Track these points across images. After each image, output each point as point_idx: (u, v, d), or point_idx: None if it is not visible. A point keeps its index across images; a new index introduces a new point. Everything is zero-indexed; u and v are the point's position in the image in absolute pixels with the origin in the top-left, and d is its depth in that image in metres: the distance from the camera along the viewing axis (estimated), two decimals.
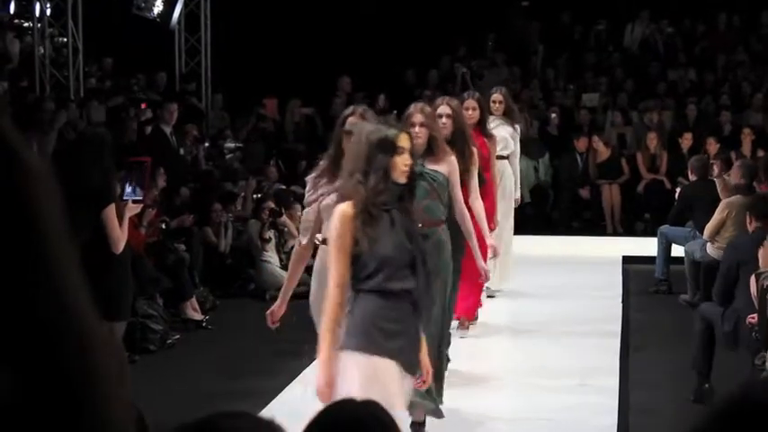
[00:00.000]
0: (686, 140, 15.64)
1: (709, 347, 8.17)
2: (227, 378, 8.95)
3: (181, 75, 18.04)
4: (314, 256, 6.32)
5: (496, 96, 10.92)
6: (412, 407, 6.03)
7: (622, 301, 11.41)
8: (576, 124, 17.13)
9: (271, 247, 12.38)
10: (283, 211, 12.56)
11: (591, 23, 19.94)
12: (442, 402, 7.25)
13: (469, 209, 7.79)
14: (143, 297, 9.95)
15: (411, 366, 5.11)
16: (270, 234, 12.41)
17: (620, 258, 13.81)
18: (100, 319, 1.25)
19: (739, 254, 8.28)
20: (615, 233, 15.44)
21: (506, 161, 10.84)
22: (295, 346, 8.14)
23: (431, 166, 7.08)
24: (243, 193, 13.37)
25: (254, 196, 13.38)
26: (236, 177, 14.18)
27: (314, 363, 6.39)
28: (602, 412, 7.72)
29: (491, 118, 10.30)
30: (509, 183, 10.94)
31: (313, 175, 6.25)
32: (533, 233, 13.73)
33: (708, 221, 10.85)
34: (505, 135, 10.77)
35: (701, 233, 11.13)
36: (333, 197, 5.99)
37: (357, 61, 17.65)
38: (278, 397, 8.12)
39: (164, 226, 11.34)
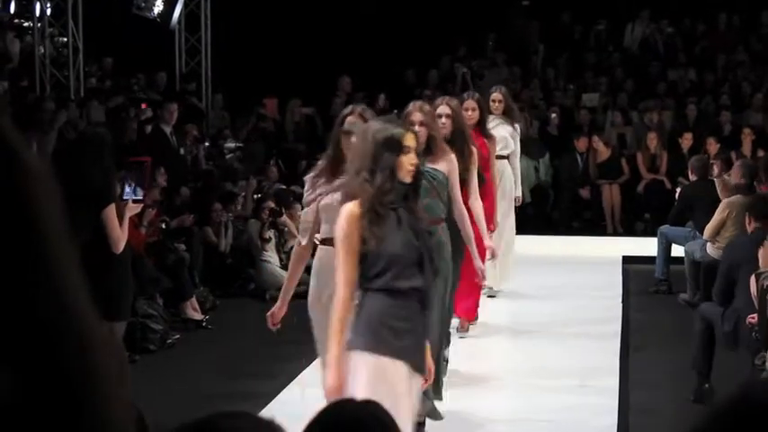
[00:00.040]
0: (686, 140, 15.64)
1: (709, 347, 8.17)
2: (227, 378, 8.95)
3: (181, 74, 18.04)
4: (313, 255, 6.31)
5: (496, 96, 10.92)
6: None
7: (622, 301, 11.41)
8: (576, 124, 17.13)
9: (271, 246, 12.38)
10: (283, 210, 12.57)
11: (591, 23, 19.94)
12: (441, 399, 7.25)
13: (469, 209, 7.80)
14: (143, 297, 9.95)
15: (419, 365, 5.09)
16: (270, 234, 12.41)
17: (621, 258, 13.80)
18: (100, 319, 1.25)
19: (738, 254, 8.28)
20: (615, 233, 15.44)
21: (506, 161, 10.85)
22: (295, 347, 8.13)
23: (430, 165, 7.08)
24: (243, 193, 13.37)
25: (255, 196, 13.38)
26: (236, 177, 14.18)
27: (313, 364, 6.40)
28: (602, 412, 7.72)
29: (491, 117, 10.30)
30: (508, 183, 10.95)
31: (311, 174, 6.24)
32: (533, 233, 13.73)
33: (708, 221, 10.85)
34: (505, 134, 10.77)
35: (701, 233, 11.13)
36: (331, 197, 5.99)
37: (357, 61, 17.65)
38: (278, 397, 8.12)
39: (164, 226, 11.34)
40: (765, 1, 19.36)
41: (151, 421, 3.38)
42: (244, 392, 8.31)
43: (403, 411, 4.89)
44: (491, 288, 11.11)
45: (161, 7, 16.88)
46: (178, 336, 10.20)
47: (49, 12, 16.28)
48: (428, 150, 7.11)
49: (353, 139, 6.00)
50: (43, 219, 1.19)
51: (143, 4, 16.67)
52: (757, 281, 7.68)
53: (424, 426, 7.05)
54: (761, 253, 7.87)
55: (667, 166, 15.55)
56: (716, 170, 11.83)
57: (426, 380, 5.29)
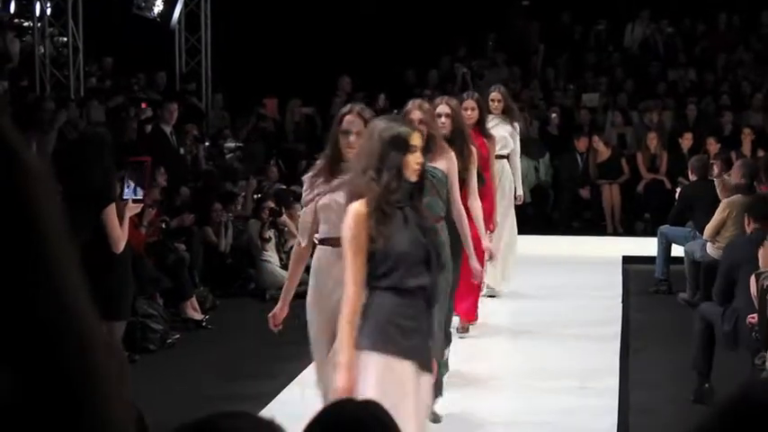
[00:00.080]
0: (686, 140, 15.64)
1: (709, 347, 8.17)
2: (227, 378, 8.95)
3: (181, 74, 18.04)
4: (313, 255, 6.30)
5: (495, 95, 10.92)
6: None
7: (622, 301, 11.41)
8: (576, 124, 17.13)
9: (271, 246, 12.38)
10: (283, 210, 12.56)
11: (591, 23, 19.95)
12: (441, 395, 7.24)
13: (468, 210, 7.79)
14: (143, 297, 9.95)
15: (426, 364, 5.09)
16: (270, 234, 12.41)
17: (621, 258, 13.80)
18: (100, 319, 1.25)
19: (738, 254, 8.28)
20: (615, 233, 15.44)
21: (505, 160, 10.85)
22: (296, 347, 8.13)
23: (429, 163, 7.08)
24: (243, 193, 13.37)
25: (255, 196, 13.38)
26: (236, 177, 14.18)
27: (311, 365, 6.38)
28: (602, 413, 7.71)
29: (490, 117, 10.30)
30: (507, 183, 10.94)
31: (310, 174, 6.20)
32: (534, 233, 13.72)
33: (708, 221, 10.85)
34: (504, 134, 10.77)
35: (701, 233, 11.12)
36: (329, 197, 5.98)
37: (357, 61, 17.65)
38: (278, 397, 8.12)
39: (164, 226, 11.34)
40: (765, 1, 19.36)
41: (151, 421, 3.38)
42: (244, 392, 8.30)
43: (409, 411, 4.89)
44: (491, 288, 11.11)
45: (161, 7, 16.88)
46: (178, 336, 10.20)
47: (49, 11, 16.28)
48: (427, 149, 7.10)
49: (352, 138, 5.99)
50: (43, 219, 1.19)
51: (143, 4, 16.67)
52: (757, 281, 7.68)
53: None
54: (761, 253, 7.88)
55: (667, 166, 15.55)
56: (716, 170, 11.83)
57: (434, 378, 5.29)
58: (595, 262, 13.53)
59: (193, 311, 10.83)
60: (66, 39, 16.44)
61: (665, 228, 12.41)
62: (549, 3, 19.86)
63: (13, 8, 17.93)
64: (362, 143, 5.23)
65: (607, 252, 14.05)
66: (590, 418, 7.67)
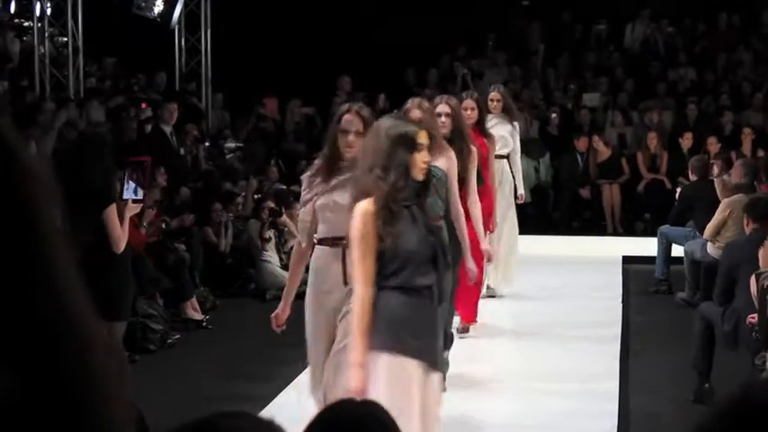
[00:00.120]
0: (686, 140, 15.65)
1: (709, 347, 8.17)
2: (228, 378, 8.95)
3: (181, 74, 18.04)
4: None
5: (494, 95, 10.92)
6: None
7: (622, 302, 11.41)
8: (576, 124, 17.13)
9: (271, 246, 12.38)
10: (283, 210, 12.56)
11: (591, 23, 19.95)
12: (444, 390, 7.23)
13: (467, 210, 7.79)
14: (143, 297, 9.95)
15: (435, 363, 5.08)
16: (270, 234, 12.41)
17: (621, 258, 13.80)
18: (99, 320, 1.25)
19: (737, 255, 8.29)
20: (615, 233, 15.44)
21: (504, 161, 10.84)
22: (295, 349, 8.12)
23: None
24: (243, 193, 13.37)
25: (254, 196, 13.38)
26: (236, 177, 14.18)
27: (307, 369, 6.38)
28: (602, 416, 7.69)
29: (489, 116, 10.30)
30: (507, 184, 10.93)
31: (308, 173, 6.16)
32: (534, 233, 13.73)
33: (708, 221, 10.85)
34: (504, 133, 10.77)
35: (702, 233, 11.12)
36: (327, 197, 5.97)
37: (357, 61, 17.65)
38: (277, 397, 8.11)
39: (164, 226, 11.34)
40: (765, 1, 19.36)
41: (151, 421, 3.37)
42: (244, 392, 8.30)
43: (415, 411, 4.89)
44: (491, 289, 11.10)
45: (161, 7, 16.88)
46: (178, 336, 10.20)
47: (49, 11, 16.28)
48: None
49: (351, 137, 5.98)
50: (42, 219, 1.19)
51: (143, 4, 16.67)
52: (757, 281, 7.68)
53: None
54: (761, 253, 7.87)
55: (667, 166, 15.56)
56: (716, 170, 11.83)
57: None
58: (595, 262, 13.53)
59: (193, 312, 10.83)
60: (66, 39, 16.44)
61: (665, 228, 12.41)
62: (549, 3, 19.86)
63: (13, 8, 17.92)
64: (368, 141, 5.20)
65: (607, 252, 14.05)
66: (590, 419, 7.65)
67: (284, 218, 12.53)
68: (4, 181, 1.18)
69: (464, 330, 9.70)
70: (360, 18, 18.89)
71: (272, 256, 12.34)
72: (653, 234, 13.00)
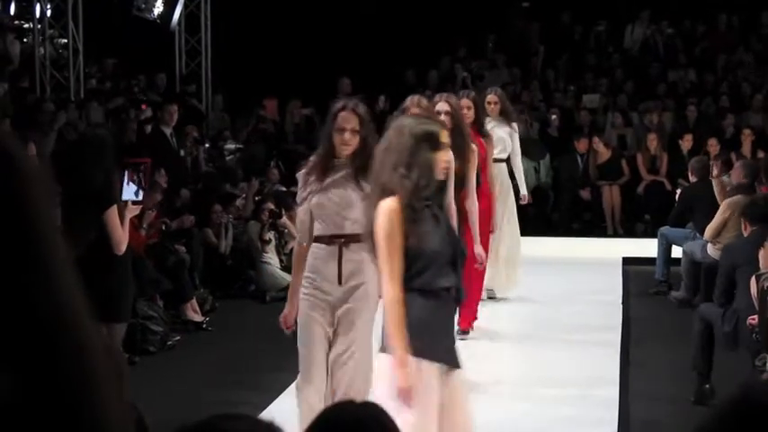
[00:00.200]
0: (686, 142, 15.65)
1: (709, 348, 8.17)
2: (228, 380, 8.95)
3: (181, 76, 18.05)
4: None
5: (491, 97, 10.91)
6: None
7: (622, 303, 11.41)
8: (576, 125, 17.13)
9: (271, 248, 12.38)
10: (283, 212, 12.57)
11: (591, 24, 19.95)
12: None
13: (466, 211, 7.77)
14: (143, 298, 9.95)
15: (457, 363, 5.06)
16: (270, 235, 12.41)
17: (621, 260, 13.80)
18: (98, 322, 1.25)
19: (736, 256, 8.29)
20: (615, 234, 15.45)
21: (503, 164, 10.84)
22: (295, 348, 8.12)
23: None
24: (244, 195, 13.37)
25: (255, 198, 13.38)
26: (236, 179, 14.19)
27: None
28: (602, 421, 7.66)
29: (487, 119, 10.29)
30: (506, 188, 10.92)
31: (303, 171, 6.14)
32: (534, 235, 13.73)
33: (708, 223, 10.85)
34: (503, 136, 10.77)
35: (702, 234, 11.13)
36: (323, 195, 5.97)
37: (357, 62, 17.66)
38: (278, 399, 8.11)
39: (164, 227, 11.34)
40: (765, 1, 19.37)
41: (151, 423, 3.38)
42: (244, 393, 8.30)
43: (434, 415, 4.89)
44: (491, 290, 11.09)
45: (161, 8, 16.89)
46: (178, 337, 10.19)
47: (49, 13, 16.29)
48: None
49: (347, 135, 5.97)
50: (40, 222, 1.20)
51: (143, 6, 16.68)
52: (758, 282, 7.68)
53: None
54: (761, 254, 7.88)
55: (667, 168, 15.56)
56: (715, 171, 11.83)
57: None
58: (595, 263, 13.53)
59: (193, 313, 10.83)
60: (66, 40, 16.45)
61: (665, 229, 12.41)
62: (549, 3, 19.87)
63: (13, 10, 17.93)
64: (391, 140, 5.13)
65: (607, 253, 14.05)
66: (590, 425, 7.62)
67: (284, 219, 12.53)
68: (3, 185, 1.18)
69: (463, 332, 9.68)
70: (360, 18, 18.89)
71: (272, 258, 12.34)
72: (653, 235, 13.00)
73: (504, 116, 10.94)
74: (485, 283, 10.20)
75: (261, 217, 12.50)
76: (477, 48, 19.51)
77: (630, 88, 18.23)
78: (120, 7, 16.96)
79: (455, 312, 5.11)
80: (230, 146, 16.10)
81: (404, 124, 5.14)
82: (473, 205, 8.10)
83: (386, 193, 4.97)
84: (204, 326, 10.78)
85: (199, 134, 15.46)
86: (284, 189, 13.71)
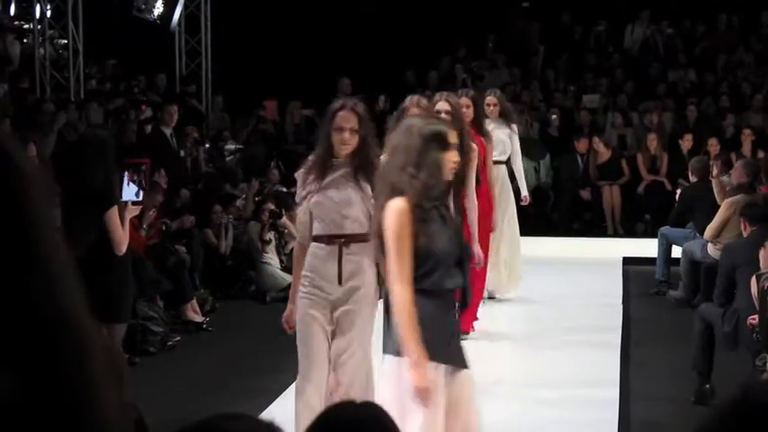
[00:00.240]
0: (686, 141, 15.65)
1: (709, 348, 8.17)
2: (227, 380, 8.94)
3: (181, 76, 18.05)
4: None
5: (490, 99, 10.91)
6: None
7: (623, 303, 11.41)
8: (576, 125, 17.13)
9: (271, 248, 12.38)
10: (283, 212, 12.57)
11: (591, 24, 19.95)
12: None
13: (464, 211, 7.77)
14: (143, 299, 9.95)
15: (465, 363, 5.05)
16: (270, 236, 12.41)
17: (621, 260, 13.81)
18: (98, 322, 1.25)
19: (736, 256, 8.29)
20: (616, 234, 15.45)
21: (503, 167, 10.83)
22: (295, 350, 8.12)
23: None
24: (244, 195, 13.37)
25: (255, 198, 13.38)
26: (236, 179, 14.19)
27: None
28: (600, 422, 7.66)
29: (486, 121, 10.29)
30: (505, 191, 10.91)
31: (302, 170, 6.12)
32: (534, 235, 13.73)
33: (708, 223, 10.85)
34: (503, 138, 10.77)
35: (702, 234, 11.13)
36: (322, 195, 5.96)
37: (357, 62, 17.66)
38: (278, 399, 8.11)
39: (164, 228, 11.34)
40: (765, 1, 19.37)
41: (151, 423, 3.37)
42: (244, 394, 8.30)
43: (441, 414, 4.88)
44: (490, 291, 11.08)
45: (161, 9, 16.90)
46: (178, 338, 10.19)
47: (49, 14, 16.29)
48: None
49: (347, 135, 5.96)
50: (40, 223, 1.20)
51: (143, 6, 16.69)
52: (758, 282, 7.69)
53: None
54: (761, 254, 7.88)
55: (667, 168, 15.56)
56: (715, 171, 11.83)
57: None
58: (596, 263, 13.53)
59: (194, 314, 10.83)
60: (66, 41, 16.45)
61: (665, 229, 12.42)
62: (548, 4, 19.87)
63: (13, 10, 17.94)
64: (399, 139, 5.11)
65: (607, 253, 14.05)
66: (589, 426, 7.62)
67: (284, 220, 12.53)
68: (2, 185, 1.18)
69: (464, 333, 9.66)
70: (360, 18, 18.89)
71: (272, 258, 12.34)
72: (653, 235, 13.00)
73: (504, 118, 10.93)
74: (486, 284, 10.19)
75: (261, 217, 12.50)
76: (477, 48, 19.51)
77: (630, 88, 18.24)
78: (120, 8, 16.97)
79: (459, 313, 5.10)
80: (230, 146, 16.11)
81: (412, 124, 5.13)
82: (472, 204, 8.09)
83: (394, 192, 4.95)
84: (204, 326, 10.78)
85: (199, 135, 15.47)
86: (284, 189, 13.71)
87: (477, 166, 8.50)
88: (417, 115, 6.63)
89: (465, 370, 5.05)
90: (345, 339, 6.00)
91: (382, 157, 6.42)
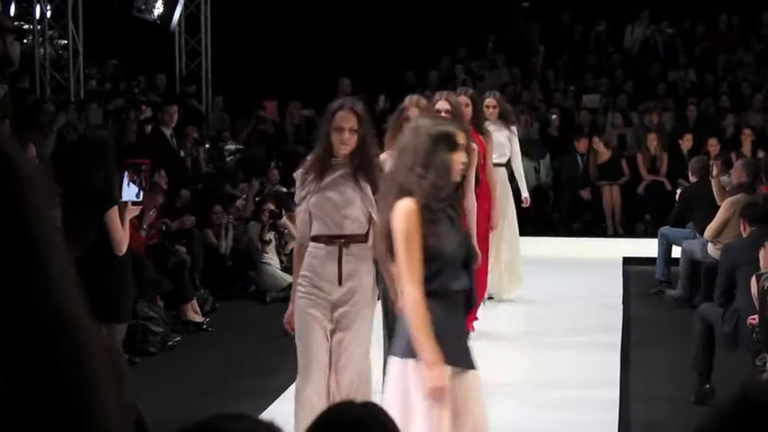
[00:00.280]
0: (686, 141, 15.65)
1: (709, 348, 8.17)
2: (228, 380, 8.94)
3: (181, 77, 18.05)
4: None
5: (489, 101, 10.90)
6: None
7: (623, 303, 11.41)
8: (576, 125, 17.13)
9: (271, 248, 12.38)
10: (283, 212, 12.57)
11: (591, 24, 19.95)
12: None
13: (464, 211, 7.76)
14: (144, 299, 9.95)
15: (472, 364, 5.04)
16: (270, 236, 12.41)
17: (621, 260, 13.80)
18: (97, 322, 1.25)
19: (736, 256, 8.30)
20: (616, 234, 15.45)
21: (502, 169, 10.83)
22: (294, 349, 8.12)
23: None
24: (244, 195, 13.37)
25: (255, 198, 13.38)
26: (236, 179, 14.19)
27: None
28: (601, 423, 7.66)
29: (486, 123, 10.28)
30: (504, 193, 10.90)
31: (301, 170, 6.11)
32: (534, 235, 13.73)
33: (708, 223, 10.85)
34: (502, 140, 10.76)
35: (702, 234, 11.13)
36: (321, 195, 5.96)
37: (357, 62, 17.66)
38: (278, 399, 8.11)
39: (164, 228, 11.34)
40: (765, 1, 19.37)
41: (151, 423, 3.38)
42: (244, 394, 8.30)
43: (448, 415, 4.88)
44: (492, 293, 11.07)
45: (161, 9, 16.89)
46: (179, 338, 10.19)
47: (49, 14, 16.29)
48: None
49: (346, 135, 5.95)
50: (39, 224, 1.20)
51: (143, 7, 16.68)
52: (758, 282, 7.69)
53: None
54: (762, 254, 7.88)
55: (668, 168, 15.56)
56: (714, 171, 11.83)
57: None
58: (596, 263, 13.53)
59: (194, 314, 10.83)
60: (66, 41, 16.45)
61: (665, 229, 12.42)
62: (549, 3, 19.87)
63: (13, 11, 17.94)
64: (407, 140, 5.09)
65: (607, 253, 14.05)
66: (590, 427, 7.62)
67: (284, 220, 12.53)
68: (2, 186, 1.18)
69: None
70: (360, 18, 18.89)
71: (272, 259, 12.34)
72: (653, 235, 13.00)
73: (503, 119, 10.93)
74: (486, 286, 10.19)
75: (261, 218, 12.51)
76: (477, 48, 19.50)
77: (630, 88, 18.23)
78: (120, 8, 16.97)
79: (467, 314, 5.09)
80: (230, 146, 16.11)
81: (420, 125, 5.11)
82: (471, 204, 8.09)
83: (403, 193, 4.93)
84: (204, 326, 10.78)
85: (199, 135, 15.47)
86: (284, 190, 13.71)
87: (477, 165, 8.50)
88: (424, 115, 6.61)
89: (472, 371, 5.05)
90: (345, 340, 6.00)
91: (382, 156, 6.42)
